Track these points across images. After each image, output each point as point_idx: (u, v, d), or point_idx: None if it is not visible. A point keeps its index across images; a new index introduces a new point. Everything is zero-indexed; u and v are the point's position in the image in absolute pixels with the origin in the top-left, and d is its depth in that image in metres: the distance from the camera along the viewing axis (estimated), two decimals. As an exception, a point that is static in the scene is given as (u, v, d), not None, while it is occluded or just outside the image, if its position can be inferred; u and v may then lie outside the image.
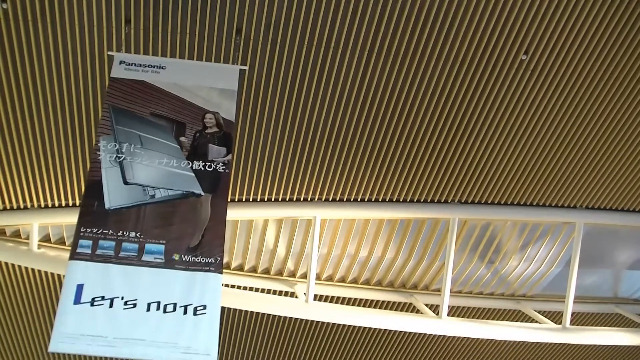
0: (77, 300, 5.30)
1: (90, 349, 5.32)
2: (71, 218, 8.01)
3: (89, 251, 5.59)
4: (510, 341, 11.20)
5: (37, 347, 10.91)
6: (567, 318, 9.75)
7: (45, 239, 8.80)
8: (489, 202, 8.83)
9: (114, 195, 5.84)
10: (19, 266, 9.08)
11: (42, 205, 8.25)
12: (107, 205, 5.80)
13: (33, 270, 9.17)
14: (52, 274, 9.23)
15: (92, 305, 5.31)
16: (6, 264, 9.04)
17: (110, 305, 5.34)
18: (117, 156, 5.99)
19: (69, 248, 6.89)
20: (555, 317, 10.37)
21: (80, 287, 5.36)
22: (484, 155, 8.08)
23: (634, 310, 11.09)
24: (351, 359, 11.83)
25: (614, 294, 11.18)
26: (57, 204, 8.26)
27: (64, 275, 5.78)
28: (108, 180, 5.88)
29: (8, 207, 8.25)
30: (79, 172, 7.83)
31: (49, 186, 7.99)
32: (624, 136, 7.96)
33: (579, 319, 11.10)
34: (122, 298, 5.38)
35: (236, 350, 11.32)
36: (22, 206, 8.24)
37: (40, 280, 9.38)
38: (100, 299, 5.35)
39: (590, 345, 11.30)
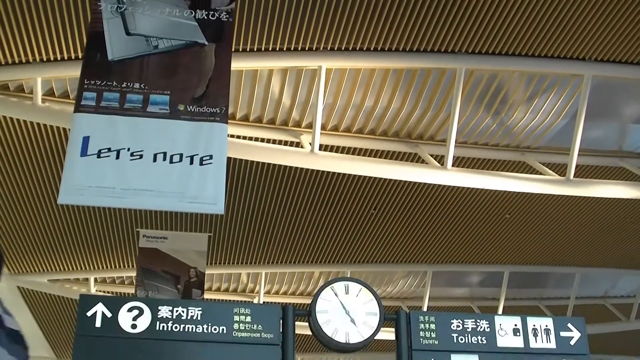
0: (84, 153, 5.35)
1: (98, 200, 5.43)
2: (74, 71, 7.88)
3: (94, 103, 5.60)
4: (514, 192, 11.31)
5: (45, 200, 11.10)
6: (572, 170, 9.82)
7: (49, 93, 8.75)
8: (497, 52, 8.68)
9: (116, 47, 5.81)
10: (24, 121, 9.08)
11: (45, 59, 8.15)
12: (110, 57, 5.77)
13: (38, 124, 9.18)
14: (58, 127, 9.24)
15: (98, 157, 5.35)
16: (11, 119, 9.04)
17: (117, 157, 5.38)
18: (118, 6, 5.92)
19: (74, 101, 6.89)
20: (560, 170, 10.44)
21: (86, 140, 5.40)
22: (493, 3, 7.89)
23: (638, 164, 11.16)
24: (356, 208, 12.02)
25: (619, 147, 11.21)
26: (59, 57, 8.16)
27: (69, 129, 5.80)
28: (110, 31, 5.83)
29: (10, 62, 8.15)
30: (80, 24, 7.70)
31: (50, 39, 7.87)
32: (638, -17, 7.75)
33: (583, 172, 11.18)
34: (128, 149, 5.42)
35: (242, 201, 11.50)
36: (24, 60, 8.14)
37: (45, 134, 9.41)
38: (106, 150, 5.38)
39: (594, 197, 11.43)
